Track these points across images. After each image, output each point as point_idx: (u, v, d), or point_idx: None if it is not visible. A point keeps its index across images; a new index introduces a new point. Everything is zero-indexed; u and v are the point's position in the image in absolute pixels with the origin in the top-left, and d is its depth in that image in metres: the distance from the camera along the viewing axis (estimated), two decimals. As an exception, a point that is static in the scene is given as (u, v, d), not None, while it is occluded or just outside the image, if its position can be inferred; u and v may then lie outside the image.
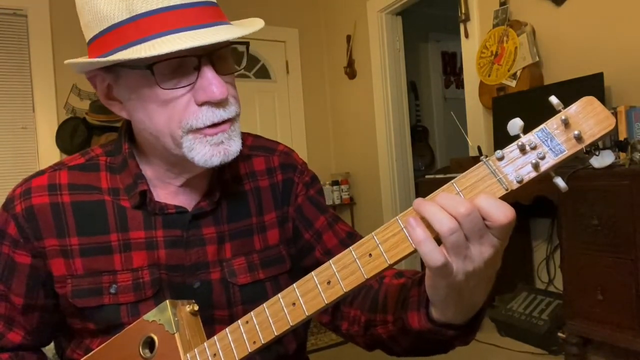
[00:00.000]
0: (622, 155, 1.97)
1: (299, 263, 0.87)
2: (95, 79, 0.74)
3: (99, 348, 0.73)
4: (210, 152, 0.69)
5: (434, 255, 0.50)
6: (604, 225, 1.93)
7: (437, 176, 2.92)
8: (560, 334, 2.21)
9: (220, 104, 0.68)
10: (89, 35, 0.70)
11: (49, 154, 3.30)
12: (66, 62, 0.69)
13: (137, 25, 0.64)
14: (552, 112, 0.50)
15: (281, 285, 0.83)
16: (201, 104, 0.68)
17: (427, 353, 0.70)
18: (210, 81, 0.66)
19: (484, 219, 0.49)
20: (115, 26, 0.65)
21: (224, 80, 0.69)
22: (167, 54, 0.62)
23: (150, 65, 0.64)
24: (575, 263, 2.06)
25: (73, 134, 3.33)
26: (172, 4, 0.64)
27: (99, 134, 3.38)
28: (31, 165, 3.28)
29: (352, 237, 0.85)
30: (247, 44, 0.73)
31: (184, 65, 0.67)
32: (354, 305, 0.78)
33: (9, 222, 0.77)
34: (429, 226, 0.51)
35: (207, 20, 0.66)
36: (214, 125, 0.69)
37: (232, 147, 0.71)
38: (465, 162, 2.70)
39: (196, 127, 0.68)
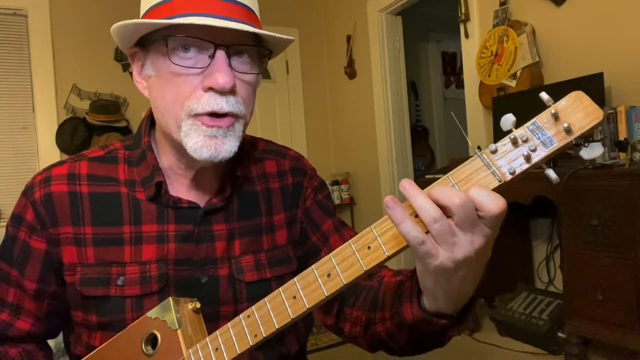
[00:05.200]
0: (622, 155, 1.97)
1: (305, 265, 0.87)
2: (134, 56, 0.78)
3: (101, 346, 0.74)
4: (202, 142, 0.71)
5: (412, 233, 0.52)
6: (604, 225, 1.93)
7: (437, 176, 2.92)
8: (560, 334, 2.21)
9: (223, 94, 0.70)
10: (141, 14, 0.76)
11: (49, 154, 3.30)
12: (114, 26, 0.73)
13: (172, 5, 0.70)
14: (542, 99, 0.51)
15: None
16: (206, 90, 0.70)
17: (423, 347, 0.71)
18: (218, 68, 0.69)
19: (477, 209, 0.51)
20: (157, 5, 0.71)
21: (241, 79, 0.72)
22: (182, 29, 0.68)
23: (166, 37, 0.70)
24: (575, 263, 2.06)
25: (73, 134, 3.33)
26: None
27: (99, 134, 3.39)
28: (31, 165, 3.28)
29: None
30: (269, 52, 0.77)
31: (202, 50, 0.71)
32: (356, 307, 0.80)
33: (27, 208, 0.79)
34: (415, 215, 0.52)
35: (235, 16, 0.70)
36: (214, 115, 0.71)
37: (225, 145, 0.72)
38: (465, 162, 2.70)
39: (196, 112, 0.70)
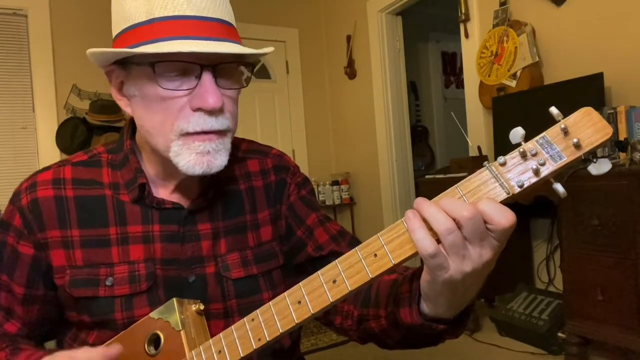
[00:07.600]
0: (622, 155, 1.97)
1: (292, 259, 0.90)
2: (111, 73, 0.78)
3: (104, 345, 0.74)
4: (194, 160, 0.72)
5: (425, 242, 0.52)
6: (604, 225, 1.94)
7: (437, 176, 2.93)
8: (560, 334, 2.22)
9: (212, 113, 0.71)
10: (115, 32, 0.75)
11: (49, 154, 3.30)
12: (88, 51, 0.73)
13: (151, 28, 0.69)
14: (551, 113, 0.52)
15: (274, 280, 0.86)
16: (195, 110, 0.71)
17: (417, 346, 0.72)
18: (207, 89, 0.70)
19: (486, 222, 0.51)
20: (134, 26, 0.71)
21: (225, 94, 0.73)
22: (168, 55, 0.67)
23: (152, 63, 0.69)
24: (575, 263, 2.06)
25: (73, 134, 3.33)
26: (187, 14, 0.69)
27: (99, 134, 3.39)
28: (31, 165, 3.28)
29: (342, 235, 0.89)
30: (253, 65, 0.77)
31: (188, 71, 0.71)
32: (347, 301, 0.81)
33: (14, 215, 0.80)
34: (429, 227, 0.53)
35: (217, 35, 0.70)
36: (204, 133, 0.72)
37: (217, 160, 0.74)
38: (465, 162, 2.70)
39: (187, 132, 0.71)
